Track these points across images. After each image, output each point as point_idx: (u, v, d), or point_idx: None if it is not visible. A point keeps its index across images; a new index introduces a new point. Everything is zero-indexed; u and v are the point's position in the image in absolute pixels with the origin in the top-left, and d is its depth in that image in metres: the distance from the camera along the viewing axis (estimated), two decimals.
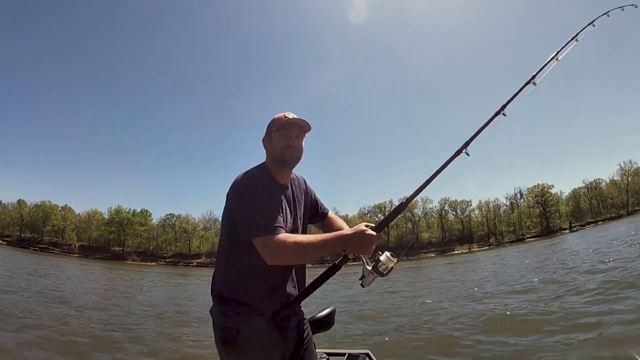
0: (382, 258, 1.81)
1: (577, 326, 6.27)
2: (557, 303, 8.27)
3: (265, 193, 1.84)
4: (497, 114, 2.17)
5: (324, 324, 2.38)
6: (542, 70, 2.33)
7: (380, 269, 1.80)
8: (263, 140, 2.05)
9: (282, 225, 1.81)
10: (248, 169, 1.96)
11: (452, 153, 2.04)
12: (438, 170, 1.99)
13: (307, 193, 2.20)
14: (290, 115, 1.96)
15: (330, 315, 2.46)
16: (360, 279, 1.85)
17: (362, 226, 1.78)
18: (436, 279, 21.37)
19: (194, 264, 78.74)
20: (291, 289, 2.00)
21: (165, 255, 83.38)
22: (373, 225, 1.82)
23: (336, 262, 1.94)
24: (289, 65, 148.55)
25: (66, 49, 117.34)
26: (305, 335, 2.09)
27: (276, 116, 2.00)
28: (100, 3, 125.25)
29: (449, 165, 2.01)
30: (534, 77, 2.28)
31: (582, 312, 7.07)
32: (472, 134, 2.09)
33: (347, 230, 1.82)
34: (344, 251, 1.87)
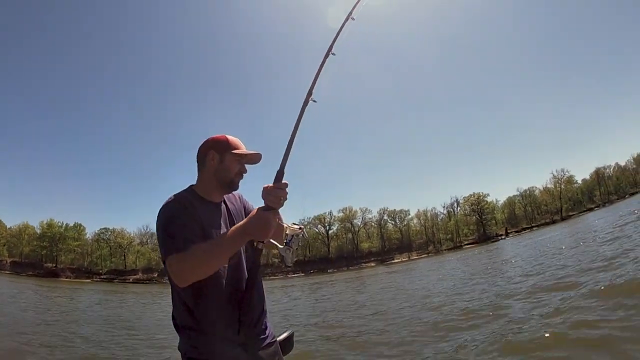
0: (288, 232, 1.84)
1: None
2: None
3: (184, 215, 1.76)
4: (327, 55, 2.30)
5: (282, 348, 2.24)
6: (358, 5, 2.46)
7: (292, 242, 1.84)
8: (206, 155, 1.95)
9: (196, 241, 1.70)
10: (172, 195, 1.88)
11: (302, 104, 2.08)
12: (296, 125, 2.00)
13: (245, 207, 2.14)
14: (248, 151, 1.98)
15: (289, 338, 2.36)
16: (282, 262, 1.84)
17: (254, 210, 1.72)
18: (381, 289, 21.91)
19: (130, 280, 74.25)
20: (254, 307, 1.95)
21: (100, 271, 78.04)
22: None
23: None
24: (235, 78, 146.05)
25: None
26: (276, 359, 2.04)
27: (230, 138, 1.97)
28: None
29: (303, 116, 2.04)
30: (350, 13, 2.42)
31: None
32: (312, 80, 2.18)
33: (243, 220, 1.74)
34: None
